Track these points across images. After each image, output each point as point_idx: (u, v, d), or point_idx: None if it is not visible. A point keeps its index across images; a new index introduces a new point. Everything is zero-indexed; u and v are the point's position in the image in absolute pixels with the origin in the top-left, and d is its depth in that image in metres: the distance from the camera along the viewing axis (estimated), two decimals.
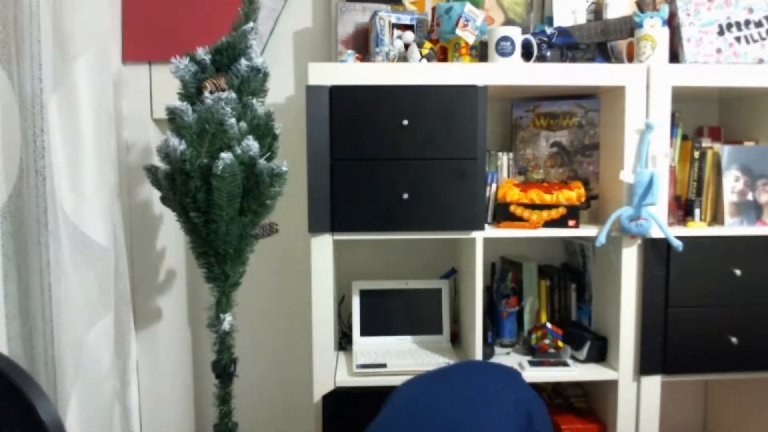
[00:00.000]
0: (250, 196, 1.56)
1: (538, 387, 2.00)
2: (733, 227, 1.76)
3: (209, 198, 1.52)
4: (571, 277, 1.96)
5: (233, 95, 1.53)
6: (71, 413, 1.46)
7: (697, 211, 1.79)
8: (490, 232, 1.73)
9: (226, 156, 1.46)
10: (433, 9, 1.84)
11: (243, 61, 1.56)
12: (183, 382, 2.08)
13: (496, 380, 1.38)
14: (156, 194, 1.91)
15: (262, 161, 1.54)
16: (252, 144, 1.51)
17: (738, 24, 1.77)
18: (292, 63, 2.04)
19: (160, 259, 2.03)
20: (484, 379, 1.38)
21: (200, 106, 1.53)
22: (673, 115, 1.77)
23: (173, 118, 1.53)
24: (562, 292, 1.97)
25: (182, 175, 1.51)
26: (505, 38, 1.70)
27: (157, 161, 1.66)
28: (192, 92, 1.57)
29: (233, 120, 1.50)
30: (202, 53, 1.60)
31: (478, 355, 1.73)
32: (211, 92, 1.53)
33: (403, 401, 1.33)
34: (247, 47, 1.58)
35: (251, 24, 1.59)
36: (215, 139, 1.50)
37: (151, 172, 1.64)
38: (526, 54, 1.77)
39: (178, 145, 1.48)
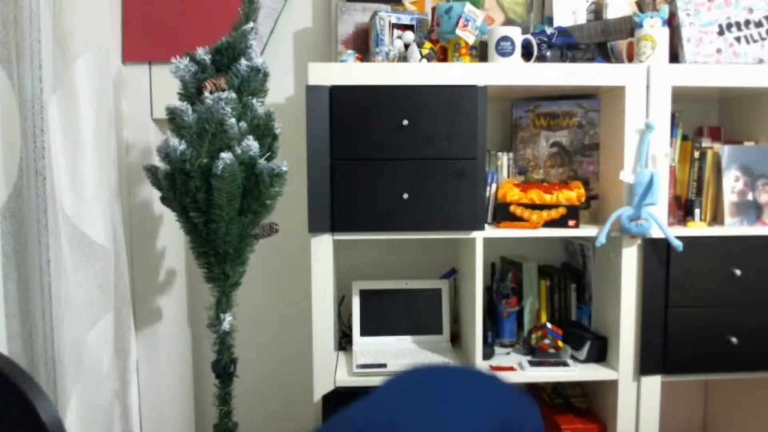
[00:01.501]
0: (250, 196, 1.56)
1: (537, 387, 2.00)
2: (733, 227, 1.76)
3: (209, 198, 1.52)
4: (571, 277, 1.96)
5: (233, 95, 1.52)
6: (71, 413, 1.46)
7: (697, 211, 1.79)
8: (490, 232, 1.73)
9: (226, 156, 1.46)
10: (433, 9, 1.84)
11: (243, 61, 1.55)
12: (183, 382, 2.08)
13: (469, 382, 1.37)
14: (156, 194, 1.91)
15: (262, 161, 1.54)
16: (252, 144, 1.51)
17: (738, 24, 1.77)
18: (292, 63, 2.04)
19: (160, 259, 2.03)
20: (454, 379, 1.37)
21: (200, 106, 1.52)
22: (673, 115, 1.77)
23: (173, 118, 1.53)
24: (562, 292, 1.97)
25: (182, 175, 1.51)
26: (505, 38, 1.70)
27: (157, 161, 1.66)
28: (192, 92, 1.57)
29: (233, 120, 1.50)
30: (202, 53, 1.59)
31: (479, 356, 1.73)
32: (211, 92, 1.53)
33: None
34: (247, 47, 1.58)
35: (251, 24, 1.58)
36: (215, 139, 1.50)
37: (151, 172, 1.64)
38: (526, 54, 1.77)
39: (178, 145, 1.48)
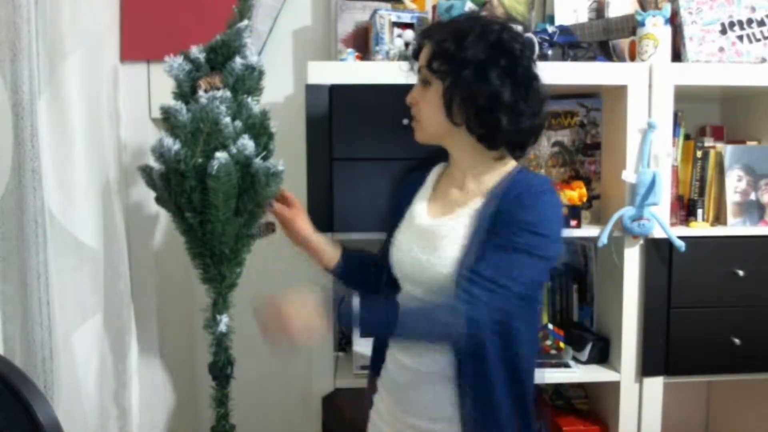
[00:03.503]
0: (246, 195, 1.54)
1: (539, 388, 1.98)
2: (735, 227, 1.75)
3: (204, 198, 1.50)
4: (573, 277, 1.95)
5: (228, 94, 1.50)
6: (60, 416, 1.44)
7: (699, 211, 1.78)
8: None
9: (221, 155, 1.44)
10: (434, 7, 1.82)
11: (238, 59, 1.53)
12: (180, 383, 2.07)
13: None
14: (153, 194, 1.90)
15: (257, 160, 1.52)
16: (247, 143, 1.49)
17: (740, 23, 1.76)
18: (292, 62, 2.03)
19: (158, 259, 2.02)
20: None
21: (195, 105, 1.51)
22: (675, 115, 1.75)
23: (167, 118, 1.52)
24: (563, 292, 1.95)
25: (177, 176, 1.49)
26: None
27: (151, 161, 1.65)
28: (186, 91, 1.55)
29: (228, 119, 1.48)
30: (196, 51, 1.57)
31: None
32: (205, 91, 1.51)
33: None
34: (241, 45, 1.56)
35: (246, 22, 1.57)
36: (210, 139, 1.48)
37: (145, 172, 1.62)
38: None
39: (172, 145, 1.46)
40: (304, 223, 1.47)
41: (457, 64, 1.19)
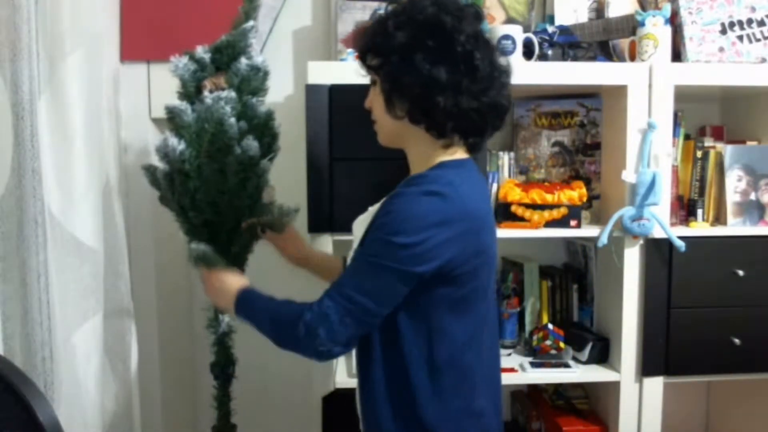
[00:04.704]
0: (248, 196, 1.54)
1: (539, 388, 1.98)
2: (735, 227, 1.75)
3: (207, 198, 1.50)
4: (573, 277, 1.95)
5: (233, 94, 1.51)
6: (60, 416, 1.44)
7: (699, 211, 1.78)
8: None
9: (195, 247, 1.43)
10: None
11: (243, 60, 1.54)
12: (180, 383, 2.07)
13: None
14: (155, 193, 1.90)
15: (265, 161, 1.52)
16: (252, 144, 1.49)
17: (740, 23, 1.76)
18: (292, 62, 2.02)
19: (158, 259, 2.02)
20: None
21: (199, 105, 1.51)
22: (675, 115, 1.76)
23: (172, 118, 1.52)
24: (563, 292, 1.96)
25: (181, 175, 1.49)
26: (506, 37, 1.69)
27: (155, 161, 1.65)
28: (191, 91, 1.55)
29: (233, 119, 1.48)
30: (201, 52, 1.57)
31: None
32: (210, 91, 1.51)
33: None
34: (246, 46, 1.57)
35: (251, 23, 1.57)
36: (215, 139, 1.48)
37: (149, 171, 1.62)
38: (528, 53, 1.76)
39: (176, 144, 1.46)
40: (297, 247, 1.51)
41: (385, 54, 1.11)
